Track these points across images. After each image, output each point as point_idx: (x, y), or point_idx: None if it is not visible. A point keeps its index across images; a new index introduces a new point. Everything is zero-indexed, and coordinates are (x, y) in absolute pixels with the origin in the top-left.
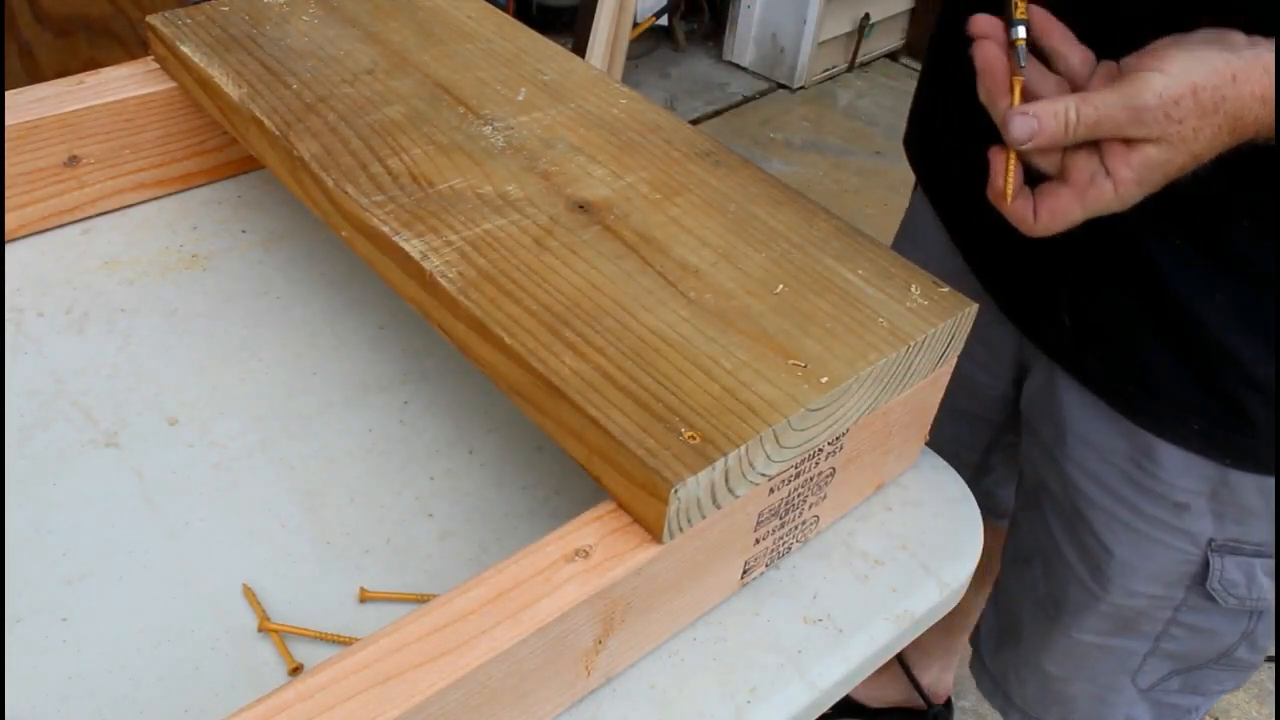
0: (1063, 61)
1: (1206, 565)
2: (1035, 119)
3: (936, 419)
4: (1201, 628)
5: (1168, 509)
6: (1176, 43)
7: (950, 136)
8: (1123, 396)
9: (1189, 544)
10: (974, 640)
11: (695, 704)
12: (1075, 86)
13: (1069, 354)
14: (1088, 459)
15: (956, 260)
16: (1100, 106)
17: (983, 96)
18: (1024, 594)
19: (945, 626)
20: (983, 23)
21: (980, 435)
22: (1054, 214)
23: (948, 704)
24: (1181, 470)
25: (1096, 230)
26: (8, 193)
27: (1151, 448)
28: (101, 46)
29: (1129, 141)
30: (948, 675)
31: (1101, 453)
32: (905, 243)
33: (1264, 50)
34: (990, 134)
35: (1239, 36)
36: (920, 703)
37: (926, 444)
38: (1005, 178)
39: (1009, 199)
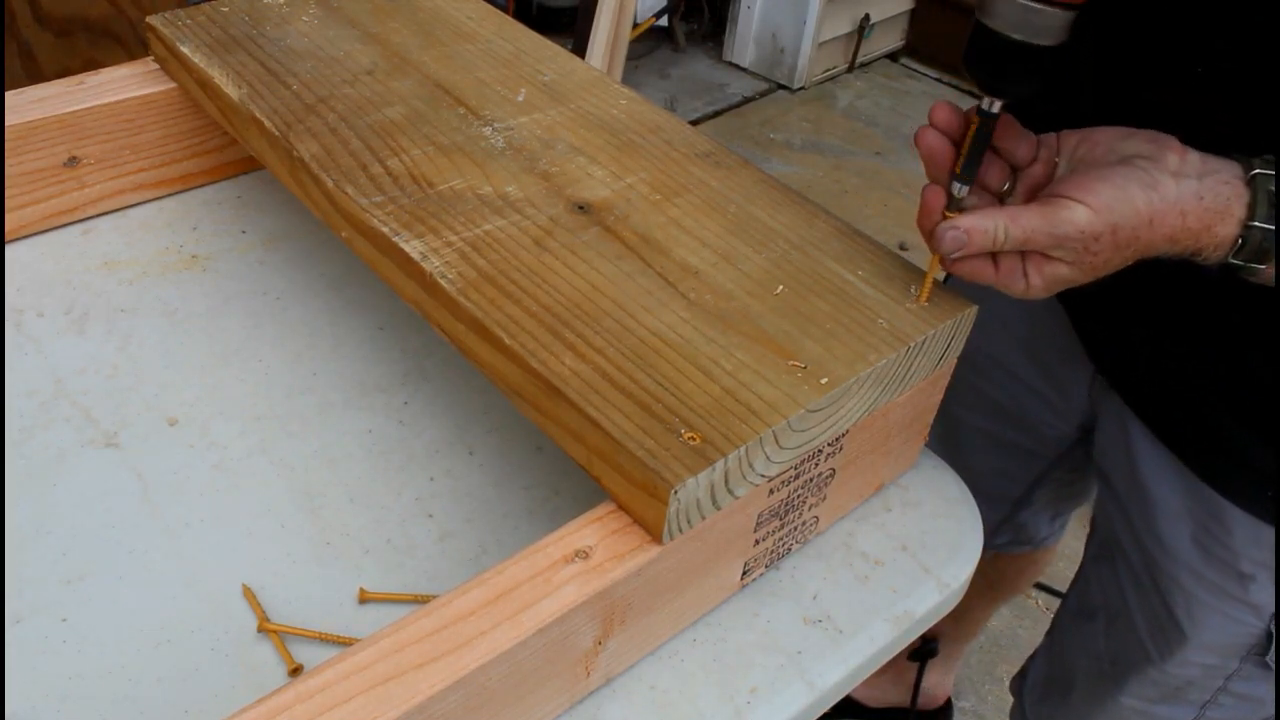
0: (1009, 156)
1: (1269, 638)
2: (966, 235)
3: (980, 450)
4: (1250, 696)
5: (1234, 579)
6: (1102, 176)
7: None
8: (1196, 453)
9: (1253, 616)
10: (1016, 687)
11: (695, 705)
12: (1017, 170)
13: (1143, 400)
14: (1158, 519)
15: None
16: (1027, 229)
17: (930, 175)
18: (1081, 648)
19: (950, 634)
20: (943, 115)
21: (1030, 469)
22: (972, 273)
23: (947, 704)
24: (1250, 539)
25: (1183, 289)
26: (8, 193)
27: (1222, 512)
28: (101, 47)
29: (1046, 255)
30: (948, 678)
31: (1172, 514)
32: None
33: (1187, 185)
34: None
35: (1172, 156)
36: (920, 703)
37: (962, 476)
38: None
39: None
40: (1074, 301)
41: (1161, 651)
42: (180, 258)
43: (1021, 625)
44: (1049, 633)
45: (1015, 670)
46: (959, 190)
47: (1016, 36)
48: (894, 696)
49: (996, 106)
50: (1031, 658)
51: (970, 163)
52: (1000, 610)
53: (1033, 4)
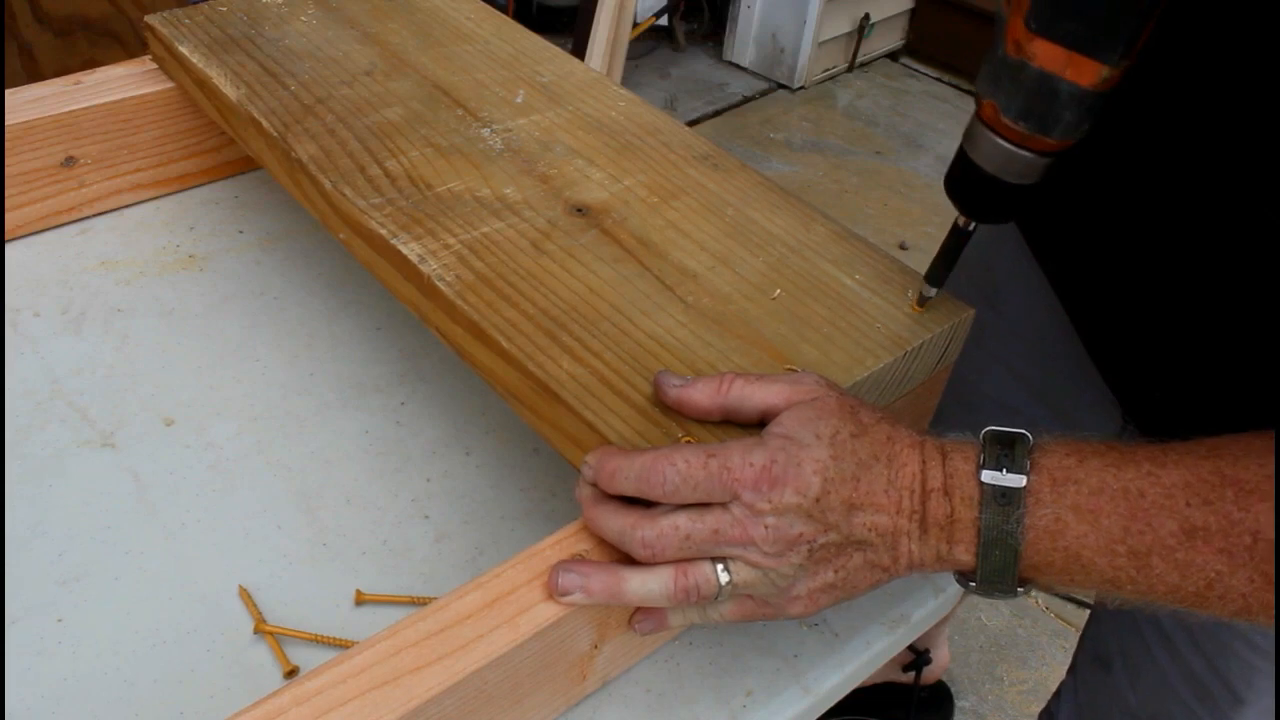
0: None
1: None
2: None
3: None
4: None
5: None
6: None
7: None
8: None
9: None
10: None
11: (692, 708)
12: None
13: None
14: None
15: (1052, 315)
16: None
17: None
18: (1110, 702)
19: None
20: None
21: None
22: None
23: (947, 692)
24: None
25: (1207, 331)
26: (5, 193)
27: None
28: (101, 46)
29: None
30: (942, 649)
31: None
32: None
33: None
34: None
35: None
36: (908, 678)
37: None
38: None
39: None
40: (1100, 347)
41: (1217, 718)
42: (177, 257)
43: (1021, 625)
44: (1071, 670)
45: (1015, 670)
46: (930, 292)
47: (995, 174)
48: (884, 672)
49: (972, 226)
50: (1056, 695)
51: (943, 272)
52: (1000, 609)
53: (1013, 148)
